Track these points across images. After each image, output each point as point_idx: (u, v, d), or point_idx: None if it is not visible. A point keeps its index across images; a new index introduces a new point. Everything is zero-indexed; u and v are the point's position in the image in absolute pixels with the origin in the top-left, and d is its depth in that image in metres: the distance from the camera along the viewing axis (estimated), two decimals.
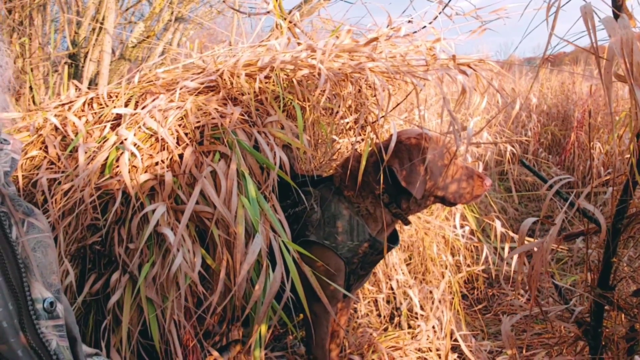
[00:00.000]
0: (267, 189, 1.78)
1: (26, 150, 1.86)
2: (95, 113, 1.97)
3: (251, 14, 2.71)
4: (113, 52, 4.64)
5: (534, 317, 2.46)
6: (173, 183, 1.72)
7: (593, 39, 0.83)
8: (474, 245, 3.39)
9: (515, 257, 2.45)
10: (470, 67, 1.83)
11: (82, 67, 4.45)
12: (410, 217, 2.05)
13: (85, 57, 4.41)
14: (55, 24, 4.77)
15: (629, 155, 1.18)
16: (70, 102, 1.99)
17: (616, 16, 0.98)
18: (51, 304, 0.88)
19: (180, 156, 1.78)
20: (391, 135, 1.91)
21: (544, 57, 0.97)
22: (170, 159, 1.80)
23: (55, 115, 1.91)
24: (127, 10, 4.94)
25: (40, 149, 1.88)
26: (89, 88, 3.28)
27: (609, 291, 1.41)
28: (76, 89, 2.20)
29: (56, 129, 1.90)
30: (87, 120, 1.93)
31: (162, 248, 1.64)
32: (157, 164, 1.79)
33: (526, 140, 5.24)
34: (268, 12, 2.42)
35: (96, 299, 1.69)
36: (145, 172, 1.77)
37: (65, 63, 4.48)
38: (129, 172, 1.75)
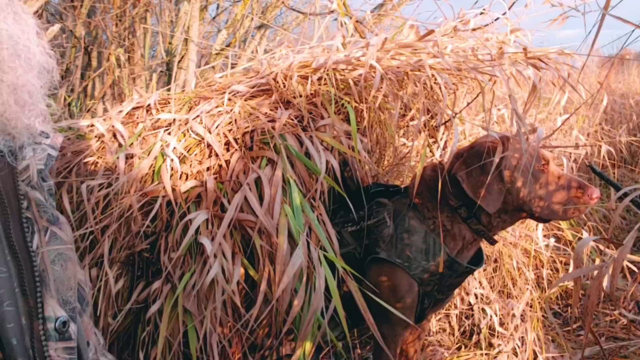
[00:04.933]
0: (314, 197, 1.67)
1: (85, 154, 1.90)
2: (152, 120, 1.98)
3: (312, 14, 2.62)
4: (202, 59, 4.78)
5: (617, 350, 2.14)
6: (219, 190, 1.68)
7: None
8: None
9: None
10: (542, 61, 1.60)
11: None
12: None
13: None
14: (155, 35, 5.01)
15: None
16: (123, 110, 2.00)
17: None
18: (64, 323, 0.80)
19: (228, 162, 1.74)
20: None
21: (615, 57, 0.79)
22: (220, 166, 1.75)
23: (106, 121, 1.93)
24: (213, 18, 5.07)
25: (99, 157, 1.92)
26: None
27: None
28: (140, 96, 2.23)
29: (114, 135, 1.93)
30: (144, 127, 1.95)
31: (203, 257, 1.59)
32: (207, 170, 1.76)
33: (637, 141, 4.69)
34: (332, 11, 2.32)
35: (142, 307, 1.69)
36: (195, 178, 1.74)
37: (161, 71, 4.68)
38: (178, 178, 1.73)
